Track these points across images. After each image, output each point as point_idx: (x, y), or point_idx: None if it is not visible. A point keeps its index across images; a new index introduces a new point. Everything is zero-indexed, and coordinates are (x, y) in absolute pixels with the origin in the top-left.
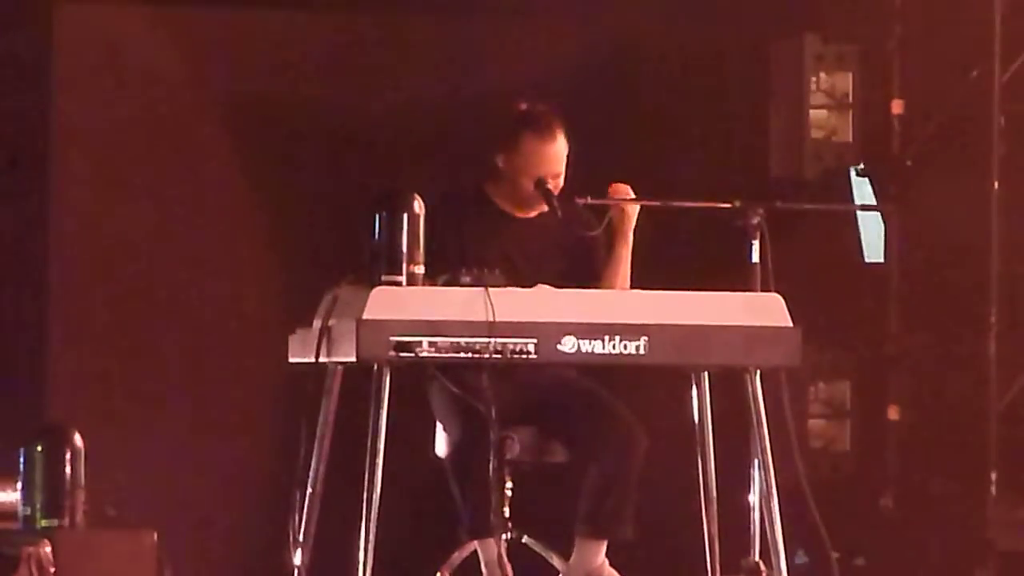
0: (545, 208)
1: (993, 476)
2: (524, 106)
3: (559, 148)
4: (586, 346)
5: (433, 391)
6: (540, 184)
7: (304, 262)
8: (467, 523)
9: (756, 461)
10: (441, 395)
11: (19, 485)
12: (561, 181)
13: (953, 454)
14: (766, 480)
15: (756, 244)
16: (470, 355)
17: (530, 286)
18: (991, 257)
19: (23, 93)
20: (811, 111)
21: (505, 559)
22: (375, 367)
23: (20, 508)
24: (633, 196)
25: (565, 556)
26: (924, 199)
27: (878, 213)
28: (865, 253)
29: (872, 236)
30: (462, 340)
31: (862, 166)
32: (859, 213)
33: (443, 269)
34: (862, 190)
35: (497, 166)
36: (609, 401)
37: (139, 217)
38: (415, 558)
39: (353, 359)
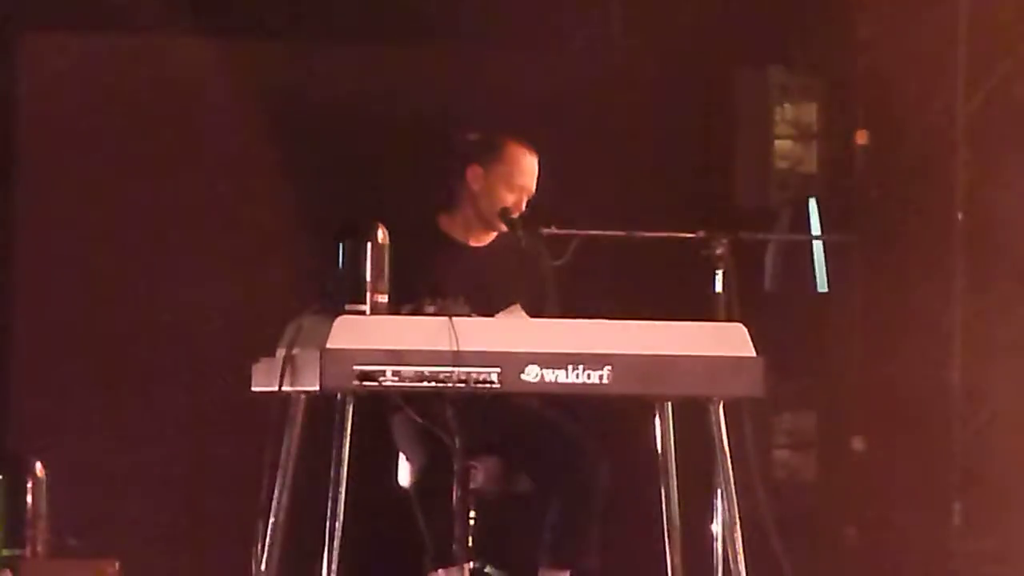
0: (496, 234)
1: (957, 507)
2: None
3: (536, 164)
4: (549, 375)
5: (396, 421)
6: (505, 213)
7: (268, 291)
8: (431, 553)
9: (719, 491)
10: (404, 425)
11: None
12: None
13: (917, 485)
14: (729, 510)
15: (720, 274)
16: (434, 384)
17: (488, 315)
18: (955, 285)
19: None
20: (776, 141)
21: None
22: (338, 396)
23: None
24: None
25: None
26: (888, 229)
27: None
28: (818, 282)
29: (822, 265)
30: (426, 370)
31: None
32: (816, 242)
33: (404, 299)
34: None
35: (457, 189)
36: (572, 431)
37: (100, 245)
38: None
39: (316, 388)
